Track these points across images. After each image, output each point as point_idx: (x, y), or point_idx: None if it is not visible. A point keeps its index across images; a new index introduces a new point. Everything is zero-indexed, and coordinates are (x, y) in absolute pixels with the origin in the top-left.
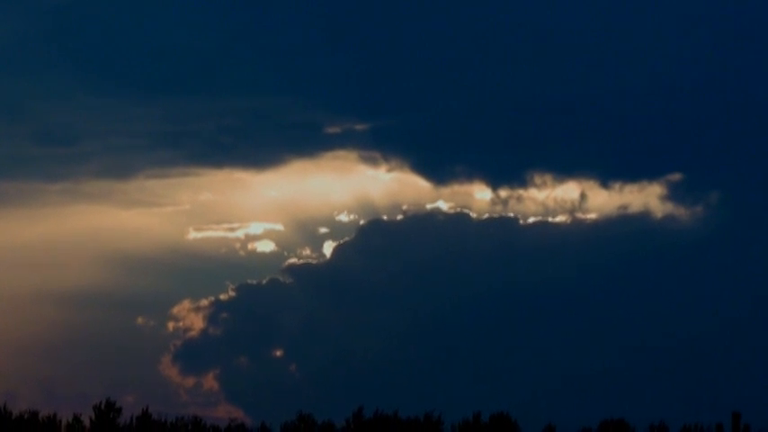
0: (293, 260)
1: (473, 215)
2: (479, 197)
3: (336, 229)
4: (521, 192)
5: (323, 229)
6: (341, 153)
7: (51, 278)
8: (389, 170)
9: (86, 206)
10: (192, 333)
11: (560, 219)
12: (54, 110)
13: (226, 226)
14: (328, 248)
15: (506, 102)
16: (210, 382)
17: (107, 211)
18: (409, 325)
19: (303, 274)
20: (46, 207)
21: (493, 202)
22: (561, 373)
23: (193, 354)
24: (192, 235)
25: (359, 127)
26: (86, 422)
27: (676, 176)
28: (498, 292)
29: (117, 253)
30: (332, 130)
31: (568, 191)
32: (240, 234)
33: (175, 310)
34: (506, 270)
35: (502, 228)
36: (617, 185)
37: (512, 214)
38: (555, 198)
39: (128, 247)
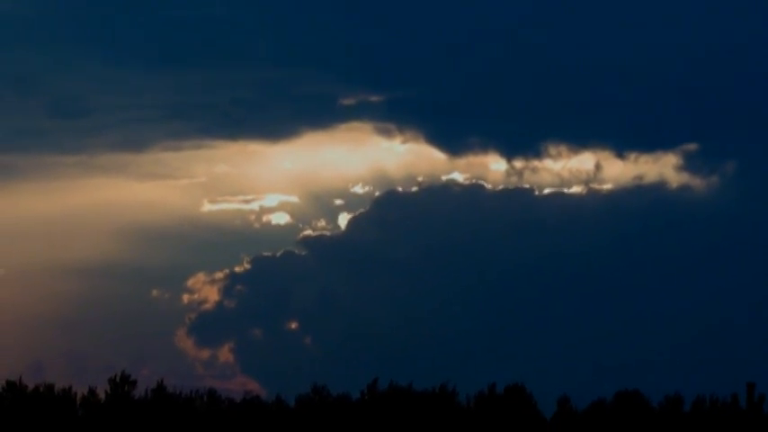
0: (308, 232)
1: (488, 186)
2: (494, 168)
3: (351, 201)
4: (535, 162)
5: (338, 201)
6: (355, 125)
7: (65, 251)
8: (404, 141)
9: (101, 179)
10: (207, 305)
11: (575, 190)
12: (67, 82)
13: (241, 198)
14: (343, 220)
15: (521, 71)
16: (226, 354)
17: (121, 184)
18: (424, 297)
19: (318, 246)
20: (60, 180)
21: (508, 174)
22: (576, 344)
23: (208, 326)
24: (207, 207)
25: (373, 98)
26: (101, 395)
27: (692, 146)
28: (513, 264)
29: (131, 226)
30: (346, 101)
31: (584, 161)
32: (255, 206)
33: (190, 282)
34: (521, 241)
35: (517, 199)
36: (632, 156)
37: (527, 185)
38: (570, 169)
39: (142, 220)
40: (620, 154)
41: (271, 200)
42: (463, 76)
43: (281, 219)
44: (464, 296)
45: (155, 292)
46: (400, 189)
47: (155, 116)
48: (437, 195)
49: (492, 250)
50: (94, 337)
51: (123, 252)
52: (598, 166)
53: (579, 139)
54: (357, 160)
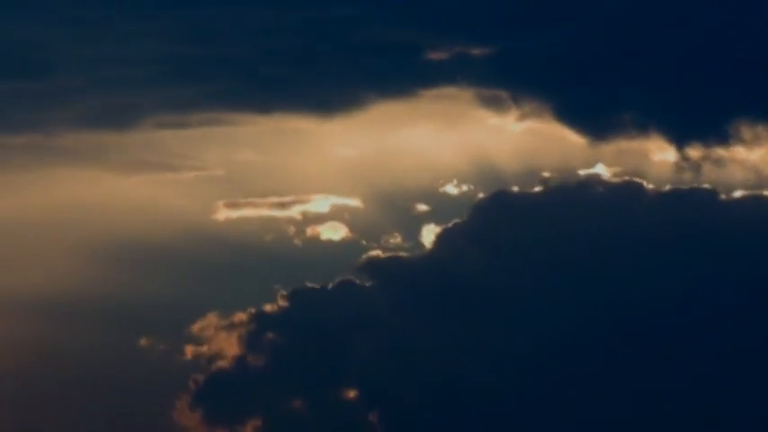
0: (375, 252)
1: (649, 186)
2: (658, 159)
3: (441, 207)
4: (721, 151)
5: (421, 207)
6: (449, 91)
7: (9, 277)
8: (521, 118)
9: (64, 170)
10: (223, 362)
11: None
12: (14, 27)
13: (274, 200)
14: (429, 235)
15: (699, 15)
16: None
17: (95, 178)
18: (551, 350)
19: (390, 273)
20: (4, 171)
21: (678, 167)
22: None
23: (224, 394)
24: (224, 213)
25: (476, 52)
26: None
27: None
28: (687, 301)
29: (110, 241)
30: (435, 56)
31: None
32: (296, 213)
33: (197, 327)
34: (699, 267)
35: (693, 205)
36: None
37: (707, 185)
38: None
39: (126, 232)
40: None
41: (319, 204)
42: (609, 22)
43: (336, 232)
44: (611, 347)
45: (144, 342)
46: (516, 189)
47: (146, 76)
48: (572, 198)
49: (655, 280)
50: (53, 409)
51: (96, 280)
52: None
53: None
54: (451, 146)
